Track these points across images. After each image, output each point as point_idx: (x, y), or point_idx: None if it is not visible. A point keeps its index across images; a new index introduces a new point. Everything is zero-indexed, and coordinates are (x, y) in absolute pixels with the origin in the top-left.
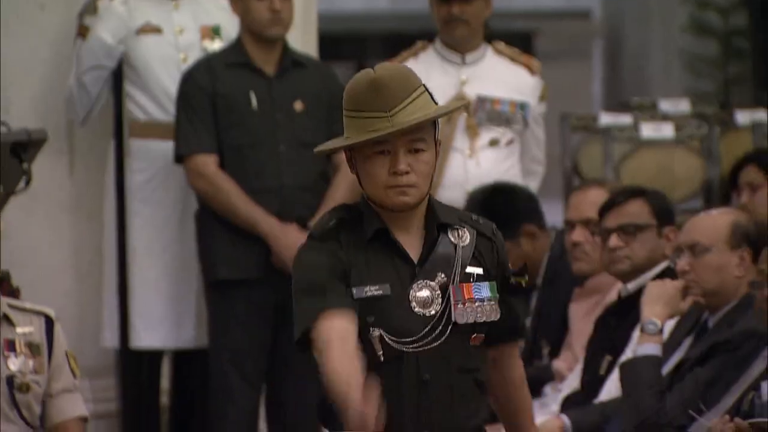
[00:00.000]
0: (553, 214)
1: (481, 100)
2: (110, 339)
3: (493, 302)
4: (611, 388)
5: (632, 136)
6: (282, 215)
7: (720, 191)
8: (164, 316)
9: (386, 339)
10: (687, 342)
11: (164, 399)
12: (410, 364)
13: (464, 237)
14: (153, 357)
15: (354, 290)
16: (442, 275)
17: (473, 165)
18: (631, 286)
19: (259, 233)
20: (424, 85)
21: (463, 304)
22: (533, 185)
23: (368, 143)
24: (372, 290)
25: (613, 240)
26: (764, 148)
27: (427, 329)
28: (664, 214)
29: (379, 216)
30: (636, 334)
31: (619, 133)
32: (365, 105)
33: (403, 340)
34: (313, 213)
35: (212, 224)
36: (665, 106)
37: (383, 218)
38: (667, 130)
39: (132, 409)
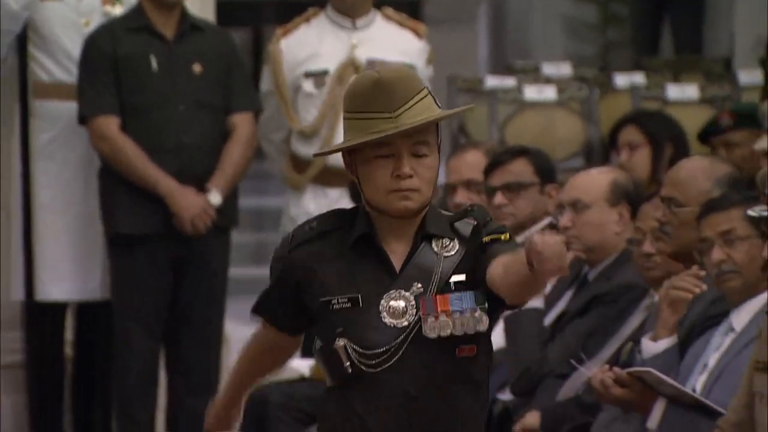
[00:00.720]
0: (441, 174)
1: (371, 63)
2: (17, 292)
3: (478, 312)
4: (496, 340)
5: (516, 98)
6: (181, 174)
7: (600, 151)
8: (69, 270)
9: (350, 350)
10: (568, 295)
11: (68, 350)
12: (392, 376)
13: (450, 247)
14: (57, 309)
15: (320, 302)
16: (419, 285)
17: None
18: (517, 240)
19: (158, 194)
20: (427, 88)
21: (435, 317)
22: None
23: (370, 144)
24: (340, 302)
25: (498, 198)
26: (642, 109)
27: (398, 341)
28: (546, 172)
29: (370, 220)
30: None
31: (503, 96)
32: (368, 105)
33: (369, 351)
34: (211, 172)
35: (114, 181)
36: (547, 69)
37: (375, 223)
38: (549, 93)
39: (36, 361)
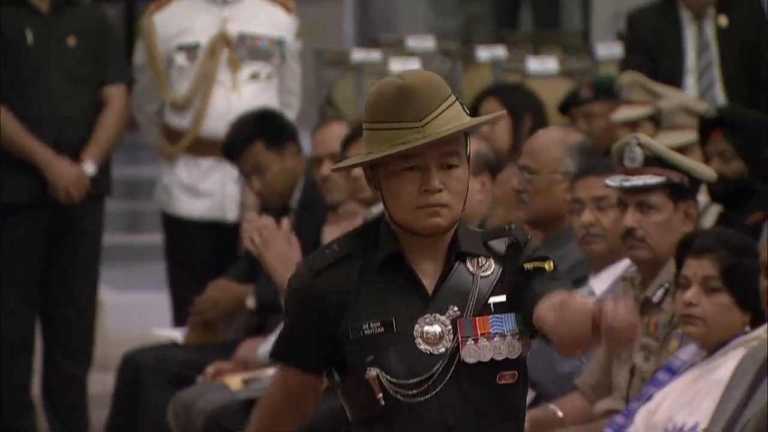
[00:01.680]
0: (309, 145)
1: (242, 37)
2: None
3: (519, 336)
4: None
5: (382, 72)
6: (57, 145)
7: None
8: None
9: (383, 380)
10: None
11: None
12: (431, 406)
13: (486, 266)
14: None
15: (350, 329)
16: (455, 308)
17: (236, 98)
18: (375, 210)
19: (34, 163)
20: (454, 93)
21: (475, 340)
22: (291, 116)
23: (395, 157)
24: (371, 327)
25: (356, 169)
26: (503, 81)
27: (436, 369)
28: None
29: (397, 238)
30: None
31: (369, 69)
32: (392, 115)
33: (404, 381)
34: (85, 142)
35: None
36: (412, 42)
37: (402, 241)
38: (413, 66)
39: None
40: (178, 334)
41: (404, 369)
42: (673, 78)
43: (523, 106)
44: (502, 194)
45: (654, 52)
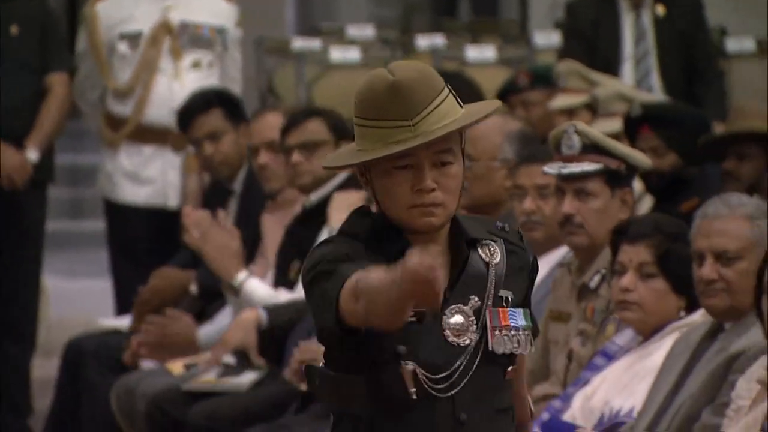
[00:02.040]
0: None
1: (184, 26)
2: None
3: (527, 332)
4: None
5: (322, 60)
6: (0, 132)
7: None
8: None
9: (419, 374)
10: None
11: None
12: (445, 402)
13: (495, 253)
14: None
15: None
16: (476, 298)
17: (177, 86)
18: (314, 197)
19: None
20: (447, 86)
21: (500, 330)
22: None
23: (387, 157)
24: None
25: (295, 156)
26: (442, 69)
27: (461, 362)
28: (340, 130)
29: (402, 234)
30: (323, 236)
31: (310, 57)
32: (383, 113)
33: (436, 376)
34: (28, 130)
35: None
36: (352, 31)
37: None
38: (353, 54)
39: None
40: (122, 323)
41: (436, 362)
42: (611, 66)
43: (462, 94)
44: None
45: (592, 40)
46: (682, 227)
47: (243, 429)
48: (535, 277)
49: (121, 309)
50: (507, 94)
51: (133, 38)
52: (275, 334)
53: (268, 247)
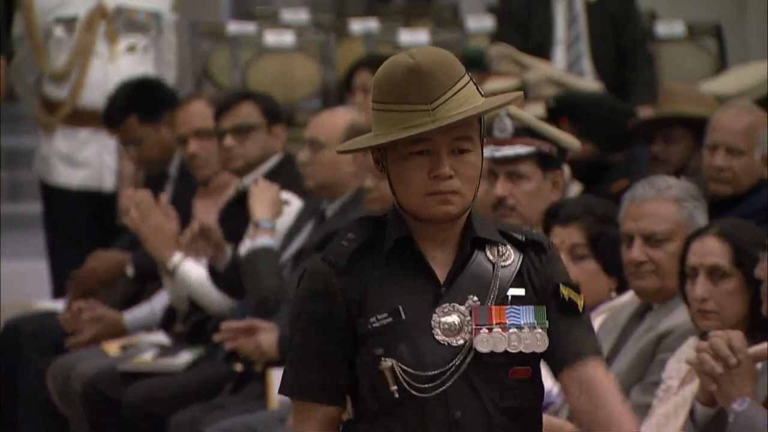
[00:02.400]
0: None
1: (119, 10)
2: None
3: (538, 330)
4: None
5: (257, 43)
6: None
7: (336, 93)
8: None
9: (398, 371)
10: (307, 229)
11: None
12: (437, 400)
13: (506, 255)
14: None
15: (358, 325)
16: (475, 298)
17: (113, 69)
18: (247, 180)
19: None
20: (468, 73)
21: (489, 329)
22: None
23: (405, 141)
24: (379, 320)
25: (228, 140)
26: (375, 53)
27: (455, 361)
28: (273, 113)
29: (406, 224)
30: (250, 230)
31: (245, 41)
32: (401, 96)
33: (422, 374)
34: None
35: None
36: (287, 15)
37: (411, 227)
38: (288, 38)
39: None
40: (58, 305)
41: (420, 360)
42: (543, 50)
43: None
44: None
45: (524, 24)
46: (613, 209)
47: (179, 409)
48: (559, 265)
49: (58, 291)
50: None
51: (68, 22)
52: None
53: None
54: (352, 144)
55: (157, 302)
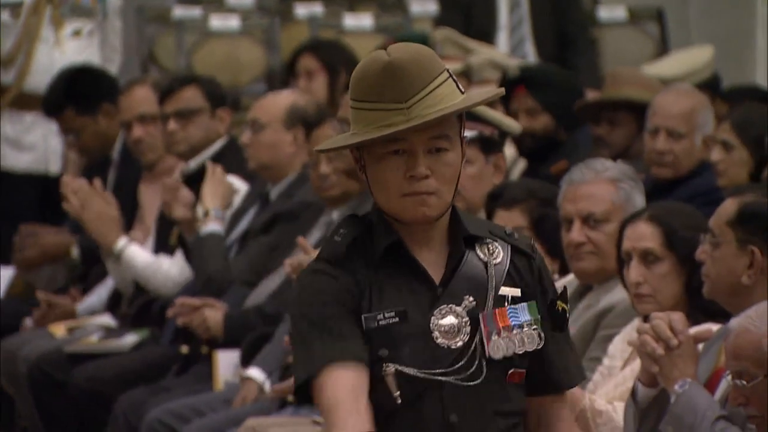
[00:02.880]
0: None
1: None
2: None
3: (535, 327)
4: (180, 260)
5: (202, 28)
6: None
7: (281, 77)
8: None
9: (404, 375)
10: (251, 212)
11: None
12: (434, 403)
13: (496, 253)
14: None
15: (363, 319)
16: (471, 299)
17: (58, 54)
18: (193, 163)
19: None
20: (447, 70)
21: (498, 334)
22: (112, 71)
23: (380, 141)
24: (385, 318)
25: (171, 124)
26: (317, 38)
27: (453, 365)
28: (216, 97)
29: (392, 228)
30: (199, 215)
31: (190, 25)
32: (376, 94)
33: (422, 376)
34: None
35: None
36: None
37: (398, 230)
38: (233, 22)
39: None
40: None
41: (421, 363)
42: (486, 34)
43: (338, 61)
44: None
45: (468, 8)
46: (555, 192)
47: (124, 390)
48: (545, 268)
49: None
50: None
51: (14, 7)
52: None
53: (146, 215)
54: (331, 143)
55: (104, 288)
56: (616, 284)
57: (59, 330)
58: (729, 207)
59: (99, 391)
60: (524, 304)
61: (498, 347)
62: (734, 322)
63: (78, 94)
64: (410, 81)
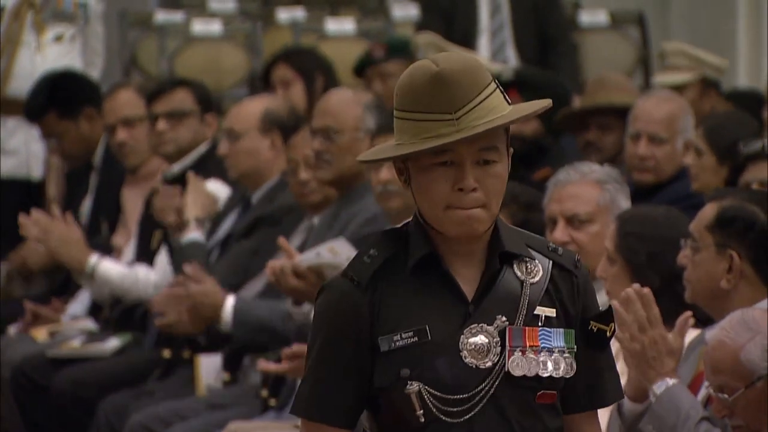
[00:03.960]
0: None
1: (46, 1)
2: None
3: (567, 355)
4: (163, 262)
5: (184, 32)
6: None
7: (263, 82)
8: None
9: (426, 395)
10: (233, 217)
11: None
12: (464, 425)
13: (534, 271)
14: None
15: (381, 342)
16: (503, 318)
17: (40, 59)
18: (177, 167)
19: None
20: (495, 81)
21: (522, 352)
22: (94, 75)
23: (428, 152)
24: (402, 339)
25: (161, 124)
26: (291, 47)
27: (484, 385)
28: (206, 101)
29: (429, 239)
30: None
31: (172, 29)
32: (424, 104)
33: (450, 397)
34: None
35: None
36: (214, 4)
37: (435, 242)
38: (215, 27)
39: None
40: None
41: (448, 384)
42: (468, 38)
43: (313, 68)
44: (298, 156)
45: (449, 13)
46: (538, 196)
47: (107, 394)
48: (588, 287)
49: None
50: (364, 66)
51: None
52: None
53: (129, 218)
54: (374, 153)
55: (85, 294)
56: (599, 288)
57: (41, 334)
58: (708, 211)
59: (82, 395)
60: (561, 330)
61: (519, 365)
62: (709, 335)
63: (60, 99)
64: (459, 91)
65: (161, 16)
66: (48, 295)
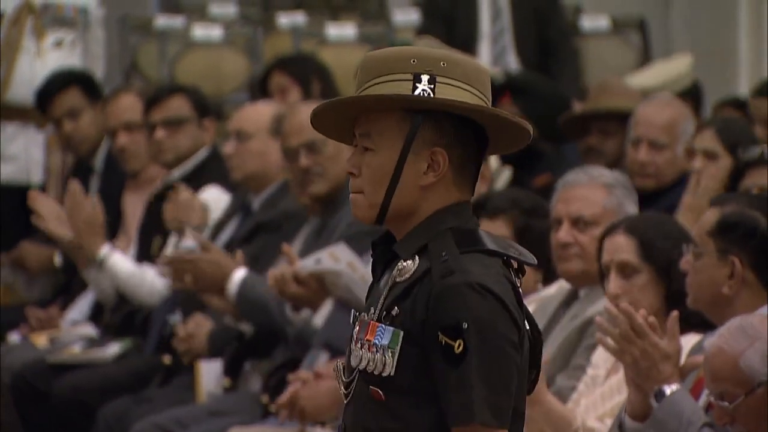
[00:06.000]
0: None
1: (46, 5)
2: None
3: (388, 353)
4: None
5: (185, 37)
6: None
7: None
8: None
9: (340, 372)
10: (234, 223)
11: None
12: (346, 408)
13: (404, 272)
14: None
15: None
16: (372, 311)
17: (40, 65)
18: (177, 173)
19: None
20: (430, 75)
21: (361, 344)
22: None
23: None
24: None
25: (159, 133)
26: (289, 53)
27: (353, 373)
28: (203, 107)
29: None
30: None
31: (173, 34)
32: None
33: (345, 379)
34: None
35: None
36: (215, 8)
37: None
38: (216, 32)
39: None
40: None
41: (345, 366)
42: (468, 44)
43: (309, 73)
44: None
45: (450, 18)
46: (539, 202)
47: (107, 400)
48: (447, 297)
49: None
50: None
51: None
52: None
53: (129, 224)
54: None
55: (85, 301)
56: (600, 294)
57: (41, 340)
58: (710, 217)
59: (82, 401)
60: (390, 329)
61: (356, 356)
62: (708, 343)
63: (85, 79)
64: (366, 75)
65: (162, 21)
66: (50, 298)
